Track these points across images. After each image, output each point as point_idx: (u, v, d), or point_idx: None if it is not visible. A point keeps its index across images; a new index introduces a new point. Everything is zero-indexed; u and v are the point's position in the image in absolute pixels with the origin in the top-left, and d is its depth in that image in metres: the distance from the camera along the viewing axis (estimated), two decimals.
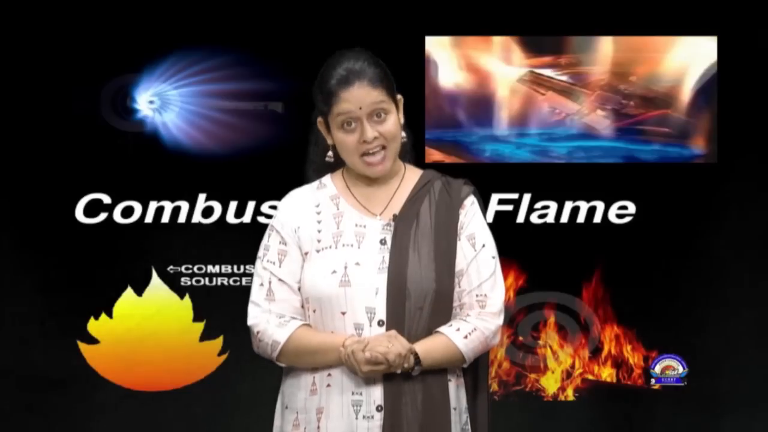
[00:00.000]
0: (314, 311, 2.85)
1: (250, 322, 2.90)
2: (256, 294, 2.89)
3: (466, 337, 2.84)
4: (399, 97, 2.91)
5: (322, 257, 2.85)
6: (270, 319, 2.86)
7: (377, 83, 2.84)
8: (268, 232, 2.93)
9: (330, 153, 2.92)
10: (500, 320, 2.90)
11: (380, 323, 2.80)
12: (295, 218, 2.90)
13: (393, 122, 2.86)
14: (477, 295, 2.87)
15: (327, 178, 2.96)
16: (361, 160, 2.86)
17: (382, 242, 2.86)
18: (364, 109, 2.83)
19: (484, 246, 2.90)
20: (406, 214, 2.88)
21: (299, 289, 2.87)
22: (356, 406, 2.80)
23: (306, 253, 2.87)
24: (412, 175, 2.95)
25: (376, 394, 2.80)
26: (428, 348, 2.81)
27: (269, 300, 2.88)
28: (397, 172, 2.94)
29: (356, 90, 2.83)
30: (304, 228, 2.89)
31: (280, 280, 2.87)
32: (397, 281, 2.81)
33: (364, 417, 2.80)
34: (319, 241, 2.87)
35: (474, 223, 2.91)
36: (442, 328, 2.84)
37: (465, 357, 2.84)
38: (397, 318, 2.80)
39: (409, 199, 2.90)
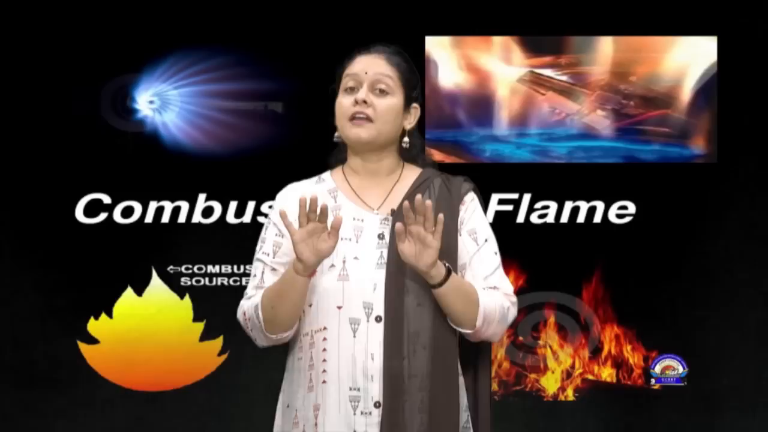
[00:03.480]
0: (310, 305, 2.84)
1: (237, 314, 2.91)
2: (249, 285, 2.91)
3: (484, 289, 2.83)
4: (415, 105, 2.92)
5: None
6: (249, 300, 2.87)
7: (392, 64, 2.88)
8: (265, 225, 2.94)
9: (337, 133, 2.93)
10: (514, 299, 2.89)
11: (378, 319, 2.80)
12: (292, 211, 2.90)
13: (390, 104, 2.88)
14: (485, 287, 2.86)
15: (326, 174, 2.97)
16: (348, 122, 2.87)
17: (380, 237, 2.86)
18: (369, 75, 2.86)
19: (486, 241, 2.90)
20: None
21: None
22: (354, 402, 2.80)
23: None
24: (411, 173, 2.95)
25: (374, 390, 2.79)
26: (457, 277, 2.79)
27: (258, 287, 2.88)
28: (394, 167, 2.94)
29: (371, 57, 2.88)
30: None
31: (273, 269, 2.88)
32: (396, 277, 2.80)
33: (362, 413, 2.79)
34: None
35: (475, 218, 2.91)
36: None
37: (480, 306, 2.79)
38: (396, 314, 2.79)
39: (408, 194, 2.90)
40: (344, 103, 2.88)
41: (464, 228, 2.90)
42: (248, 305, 2.87)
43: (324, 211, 2.71)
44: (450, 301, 2.78)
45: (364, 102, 2.85)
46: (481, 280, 2.86)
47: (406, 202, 2.69)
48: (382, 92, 2.87)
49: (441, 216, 2.71)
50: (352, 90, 2.87)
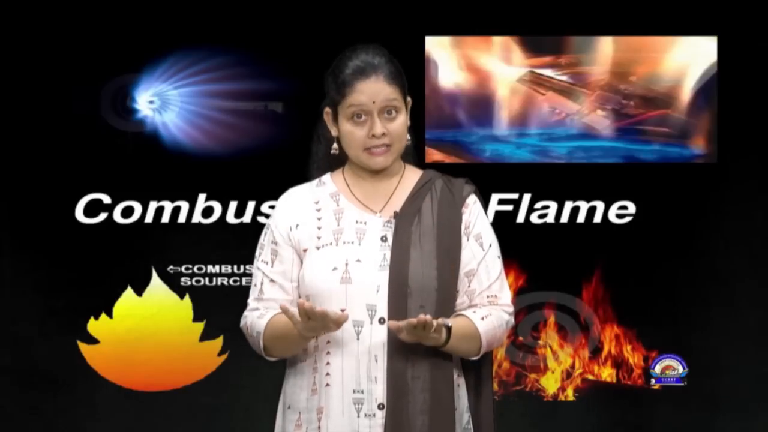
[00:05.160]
0: None
1: (241, 324, 2.92)
2: (250, 295, 2.92)
3: (483, 318, 2.85)
4: (408, 99, 2.92)
5: (323, 254, 2.85)
6: (254, 314, 2.88)
7: (392, 80, 2.85)
8: (264, 230, 2.95)
9: (335, 145, 2.92)
10: (512, 310, 2.93)
11: (381, 321, 2.81)
12: (292, 216, 2.91)
13: (402, 122, 2.87)
14: (488, 296, 2.90)
15: (327, 177, 2.97)
16: (365, 152, 2.86)
17: (383, 239, 2.86)
18: (377, 104, 2.84)
19: (491, 246, 2.92)
20: (406, 211, 2.88)
21: (297, 287, 2.88)
22: (358, 404, 2.80)
23: (305, 251, 2.87)
24: (412, 174, 2.95)
25: (378, 391, 2.80)
26: (457, 323, 2.81)
27: (259, 299, 2.90)
28: (397, 171, 2.94)
29: (372, 83, 2.84)
30: (303, 225, 2.89)
31: (271, 280, 2.89)
32: (399, 279, 2.81)
33: (365, 415, 2.80)
34: (319, 238, 2.87)
35: (479, 222, 2.92)
36: (460, 312, 2.85)
37: (482, 339, 2.84)
38: (398, 316, 2.79)
39: (410, 196, 2.90)
40: (358, 135, 2.85)
41: (471, 233, 2.90)
42: (251, 323, 2.88)
43: (323, 315, 2.70)
44: (454, 350, 2.83)
45: (383, 134, 2.84)
46: (485, 288, 2.89)
47: (413, 320, 2.69)
48: (391, 113, 2.85)
49: (441, 320, 2.73)
50: (359, 118, 2.85)
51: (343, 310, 2.79)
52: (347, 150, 2.89)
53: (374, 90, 2.83)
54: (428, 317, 2.69)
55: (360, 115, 2.85)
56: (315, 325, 2.73)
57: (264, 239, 2.93)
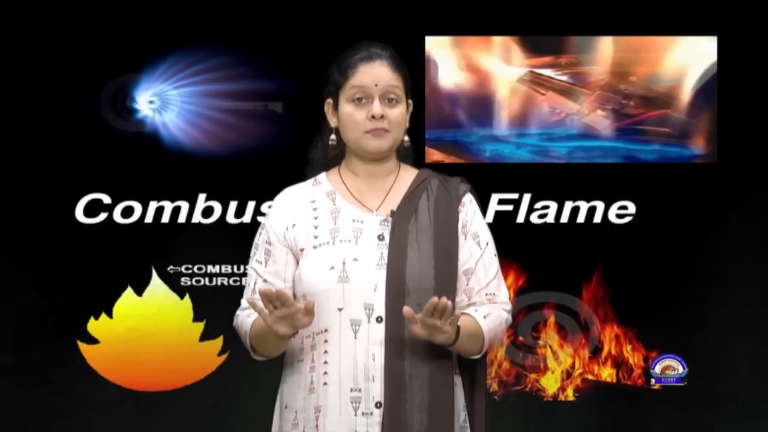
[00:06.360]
0: None
1: (233, 323, 2.92)
2: (244, 296, 2.93)
3: (485, 317, 2.85)
4: (410, 101, 2.93)
5: (320, 253, 2.85)
6: (244, 313, 2.89)
7: (396, 69, 2.88)
8: (260, 230, 2.95)
9: (333, 137, 2.92)
10: (510, 308, 2.94)
11: (378, 319, 2.81)
12: (288, 216, 2.91)
13: (401, 112, 2.89)
14: (486, 294, 2.90)
15: (322, 176, 2.97)
16: (365, 135, 2.87)
17: (380, 238, 2.86)
18: (379, 87, 2.85)
19: (488, 244, 2.93)
20: (403, 209, 2.89)
21: (290, 287, 2.88)
22: (355, 402, 2.80)
23: (302, 250, 2.87)
24: (408, 174, 2.96)
25: (375, 390, 2.80)
26: (463, 322, 2.81)
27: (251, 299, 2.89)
28: (393, 169, 2.95)
29: (377, 67, 2.86)
30: (299, 224, 2.89)
31: (264, 280, 2.89)
32: (396, 278, 2.81)
33: (363, 414, 2.80)
34: (315, 237, 2.87)
35: (476, 221, 2.93)
36: (462, 311, 2.84)
37: (485, 337, 2.84)
38: (396, 315, 2.79)
39: (406, 195, 2.91)
40: (358, 116, 2.86)
41: (468, 232, 2.91)
42: (241, 322, 2.90)
43: (282, 297, 2.69)
44: (460, 348, 2.83)
45: (382, 116, 2.85)
46: (483, 286, 2.90)
47: (434, 299, 2.67)
48: (391, 101, 2.87)
49: (459, 314, 2.74)
50: (360, 101, 2.86)
51: (340, 309, 2.80)
52: (346, 134, 2.89)
53: (378, 73, 2.86)
54: (450, 303, 2.68)
55: (361, 98, 2.86)
56: (284, 313, 2.70)
57: (259, 239, 2.94)
